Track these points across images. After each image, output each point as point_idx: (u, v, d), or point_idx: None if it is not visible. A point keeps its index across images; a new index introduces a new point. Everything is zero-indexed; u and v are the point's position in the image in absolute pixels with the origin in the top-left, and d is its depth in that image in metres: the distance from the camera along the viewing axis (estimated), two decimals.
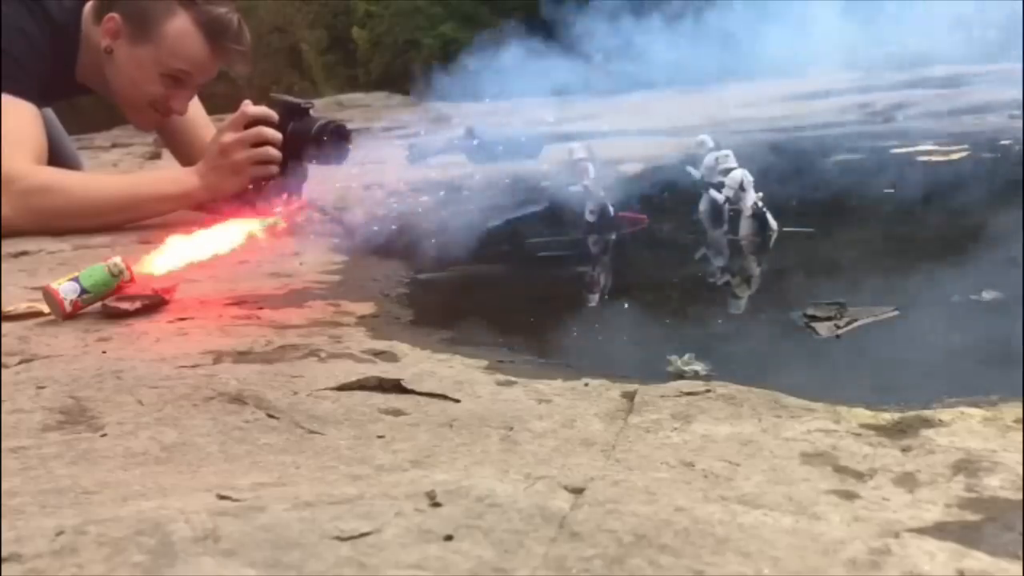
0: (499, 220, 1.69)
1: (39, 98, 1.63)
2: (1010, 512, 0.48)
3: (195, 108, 1.90)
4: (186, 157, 1.88)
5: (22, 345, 0.88)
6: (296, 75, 13.35)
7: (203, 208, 1.66)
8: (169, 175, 1.75)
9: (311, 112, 1.65)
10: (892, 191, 1.85)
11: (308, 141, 1.59)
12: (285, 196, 1.60)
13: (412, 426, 0.65)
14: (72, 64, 1.70)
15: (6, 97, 1.55)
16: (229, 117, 1.64)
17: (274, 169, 1.59)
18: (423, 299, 1.17)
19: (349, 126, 1.71)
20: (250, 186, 1.60)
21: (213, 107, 2.19)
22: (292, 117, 1.61)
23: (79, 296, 0.98)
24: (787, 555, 0.43)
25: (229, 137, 1.58)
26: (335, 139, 1.60)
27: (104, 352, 0.85)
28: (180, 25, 1.63)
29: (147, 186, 1.68)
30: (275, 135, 1.58)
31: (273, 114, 1.60)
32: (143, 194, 1.63)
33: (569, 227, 1.59)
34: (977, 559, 0.43)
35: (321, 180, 1.88)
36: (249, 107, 1.60)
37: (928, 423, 0.61)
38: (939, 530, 0.46)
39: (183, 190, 1.62)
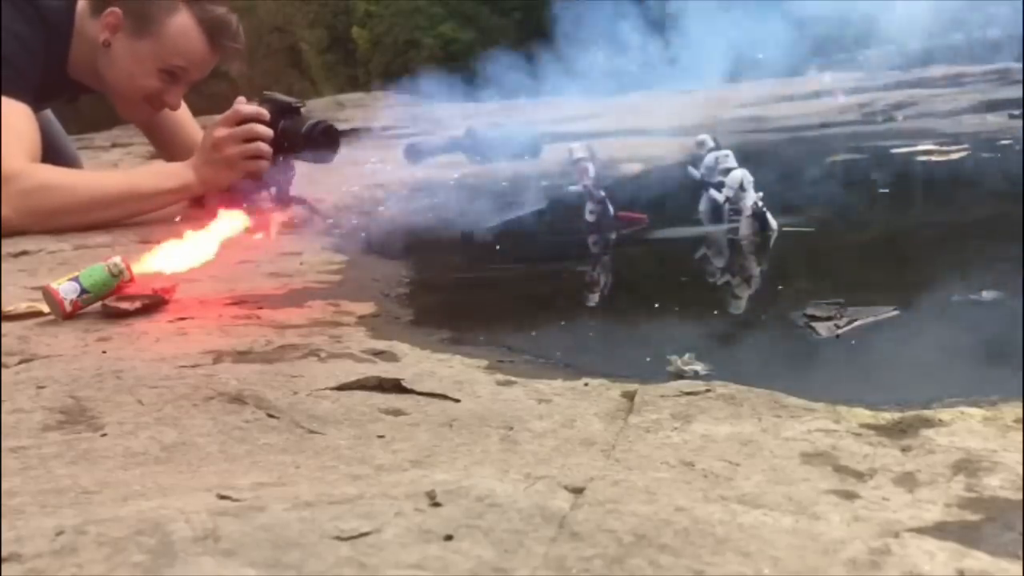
0: (498, 220, 1.69)
1: (34, 99, 1.64)
2: (1010, 512, 0.48)
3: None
4: (170, 153, 1.90)
5: (22, 345, 0.88)
6: (296, 75, 13.36)
7: (197, 202, 1.67)
8: (165, 170, 1.77)
9: (302, 111, 1.67)
10: (888, 190, 1.85)
11: (298, 139, 1.62)
12: (275, 191, 1.64)
13: (412, 426, 0.65)
14: (64, 60, 1.70)
15: (1, 99, 1.55)
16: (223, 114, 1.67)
17: (264, 164, 1.62)
18: (423, 299, 1.17)
19: (349, 126, 1.72)
20: (242, 182, 1.63)
21: (212, 106, 2.20)
22: (283, 116, 1.65)
23: (79, 296, 0.98)
24: (787, 555, 0.43)
25: (221, 132, 1.62)
26: (324, 138, 1.63)
27: (104, 352, 0.85)
28: (182, 22, 1.66)
29: (144, 181, 1.69)
30: (266, 131, 1.62)
31: (265, 112, 1.63)
32: (140, 189, 1.64)
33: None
34: (977, 559, 0.43)
35: (318, 180, 1.88)
36: (242, 105, 1.63)
37: (928, 423, 0.61)
38: (939, 530, 0.46)
39: (179, 184, 1.64)
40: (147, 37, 1.65)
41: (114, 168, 3.20)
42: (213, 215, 1.36)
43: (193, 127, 1.91)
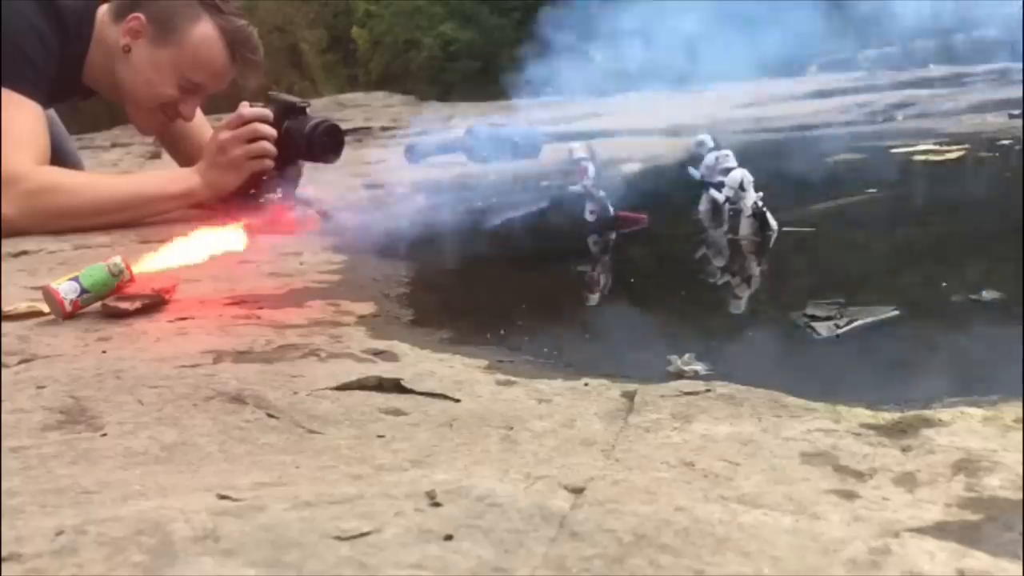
0: (498, 220, 1.69)
1: (46, 99, 1.64)
2: (1010, 512, 0.48)
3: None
4: (186, 159, 1.89)
5: (22, 345, 0.88)
6: (296, 75, 13.35)
7: (203, 206, 1.67)
8: (171, 174, 1.77)
9: (307, 111, 1.67)
10: (880, 191, 1.85)
11: (302, 139, 1.62)
12: (281, 192, 1.64)
13: (412, 426, 0.65)
14: (80, 65, 1.70)
15: (12, 95, 1.55)
16: (226, 117, 1.67)
17: (269, 163, 1.62)
18: (423, 299, 1.17)
19: (347, 125, 1.73)
20: (249, 184, 1.63)
21: (213, 107, 2.20)
22: (288, 116, 1.64)
23: (79, 296, 0.98)
24: (787, 555, 0.43)
25: (226, 135, 1.62)
26: (327, 138, 1.63)
27: (104, 352, 0.85)
28: (205, 31, 1.66)
29: (150, 185, 1.69)
30: (269, 131, 1.62)
31: (268, 113, 1.63)
32: (146, 193, 1.64)
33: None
34: (977, 559, 0.43)
35: (319, 180, 1.88)
36: (245, 108, 1.64)
37: (928, 423, 0.61)
38: (939, 530, 0.46)
39: (185, 188, 1.65)
40: (169, 45, 1.66)
41: (115, 168, 3.21)
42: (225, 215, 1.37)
43: (208, 132, 1.91)
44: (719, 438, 0.60)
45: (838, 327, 0.91)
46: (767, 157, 2.20)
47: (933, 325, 0.97)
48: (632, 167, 2.35)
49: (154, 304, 1.01)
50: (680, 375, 0.78)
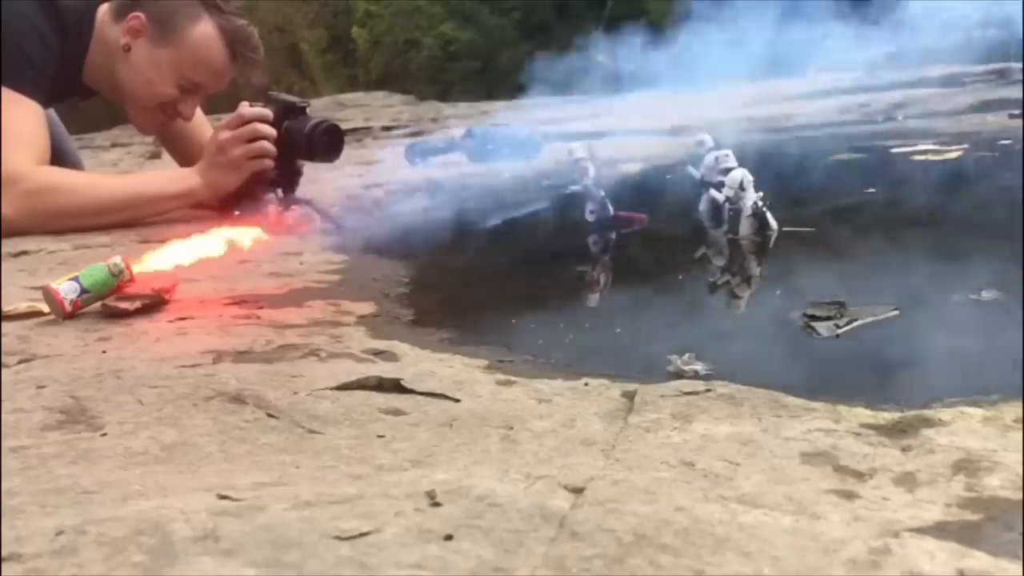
0: (497, 220, 1.70)
1: (46, 99, 1.64)
2: (1010, 512, 0.48)
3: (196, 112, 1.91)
4: (186, 158, 1.89)
5: (22, 345, 0.88)
6: (296, 75, 13.37)
7: (203, 205, 1.68)
8: (171, 175, 1.77)
9: (307, 111, 1.67)
10: (880, 191, 1.85)
11: (302, 139, 1.62)
12: (280, 192, 1.64)
13: (412, 426, 0.65)
14: (80, 65, 1.70)
15: (12, 95, 1.55)
16: (226, 117, 1.67)
17: (269, 163, 1.62)
18: (423, 299, 1.17)
19: (347, 125, 1.73)
20: (249, 184, 1.63)
21: (213, 107, 2.20)
22: (288, 116, 1.64)
23: (79, 296, 0.98)
24: (787, 555, 0.43)
25: (225, 135, 1.63)
26: (327, 138, 1.63)
27: (104, 352, 0.85)
28: (205, 31, 1.66)
29: (150, 185, 1.69)
30: (269, 131, 1.62)
31: (268, 113, 1.63)
32: (146, 193, 1.65)
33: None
34: (977, 559, 0.43)
35: (319, 180, 1.88)
36: (245, 108, 1.64)
37: (928, 423, 0.61)
38: (939, 530, 0.46)
39: (185, 188, 1.65)
40: (169, 44, 1.66)
41: (115, 168, 3.21)
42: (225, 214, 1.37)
43: (208, 132, 1.91)
44: (719, 438, 0.60)
45: (838, 327, 0.91)
46: (767, 157, 2.20)
47: (933, 325, 0.97)
48: (632, 167, 2.35)
49: (154, 304, 1.01)
50: (680, 375, 0.78)
